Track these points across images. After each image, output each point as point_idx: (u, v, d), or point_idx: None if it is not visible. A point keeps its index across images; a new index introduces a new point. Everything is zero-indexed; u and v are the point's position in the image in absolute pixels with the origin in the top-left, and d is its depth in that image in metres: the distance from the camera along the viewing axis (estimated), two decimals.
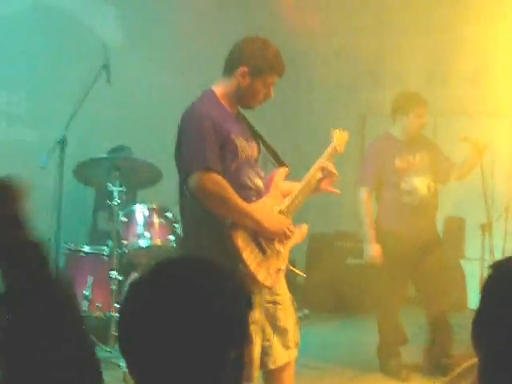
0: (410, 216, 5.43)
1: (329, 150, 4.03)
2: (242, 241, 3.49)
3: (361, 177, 5.66)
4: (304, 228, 3.91)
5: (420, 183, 5.46)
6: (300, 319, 6.73)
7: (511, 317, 1.51)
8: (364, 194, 5.53)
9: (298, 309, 6.86)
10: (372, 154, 5.67)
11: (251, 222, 3.54)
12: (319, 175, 3.93)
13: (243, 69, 3.62)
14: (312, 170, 3.93)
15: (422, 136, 5.64)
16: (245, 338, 1.54)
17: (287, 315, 3.80)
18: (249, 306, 1.53)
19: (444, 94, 7.72)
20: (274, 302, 3.77)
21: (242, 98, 3.67)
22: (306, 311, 7.35)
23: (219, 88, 3.70)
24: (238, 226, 3.51)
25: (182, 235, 4.11)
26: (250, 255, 3.51)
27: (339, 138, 4.11)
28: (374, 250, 5.49)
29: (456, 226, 7.91)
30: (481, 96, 7.61)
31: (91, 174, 5.67)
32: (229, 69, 3.69)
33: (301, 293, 7.28)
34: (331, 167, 3.93)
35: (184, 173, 3.54)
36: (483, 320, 1.56)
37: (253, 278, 3.46)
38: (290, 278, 4.35)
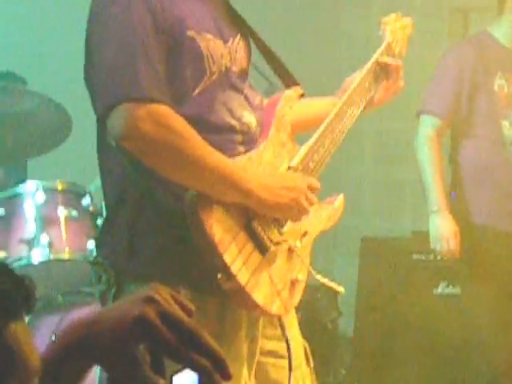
0: None
1: (379, 51, 2.90)
2: (220, 229, 2.33)
3: (427, 101, 3.89)
4: (339, 200, 2.79)
5: None
6: None
7: None
8: (429, 128, 3.79)
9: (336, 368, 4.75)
10: (450, 66, 3.85)
11: (235, 191, 2.38)
12: (368, 93, 2.76)
13: None
14: (344, 92, 2.73)
15: None
16: None
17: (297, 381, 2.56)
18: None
19: None
20: (272, 354, 2.52)
21: None
22: (343, 372, 4.88)
23: None
24: (210, 200, 2.33)
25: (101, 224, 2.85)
26: (237, 256, 2.35)
27: (396, 28, 2.90)
28: (449, 232, 3.70)
29: None
30: None
31: None
32: None
33: (345, 342, 5.01)
34: (390, 60, 2.80)
35: (100, 108, 2.31)
36: None
37: (245, 298, 2.28)
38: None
